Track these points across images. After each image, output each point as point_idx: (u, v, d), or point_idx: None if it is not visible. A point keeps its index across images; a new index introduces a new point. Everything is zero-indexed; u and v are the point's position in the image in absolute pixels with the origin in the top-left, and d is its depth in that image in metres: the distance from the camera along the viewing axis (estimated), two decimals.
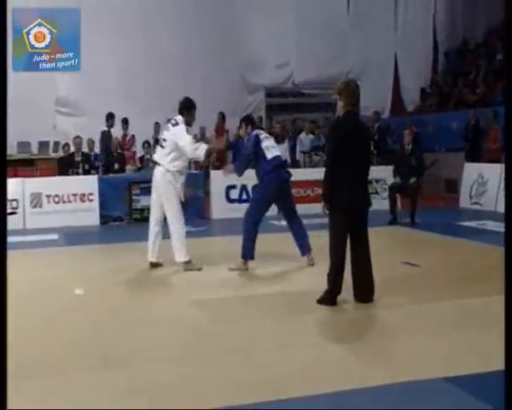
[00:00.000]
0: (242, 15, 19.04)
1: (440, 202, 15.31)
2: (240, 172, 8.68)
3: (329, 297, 6.32)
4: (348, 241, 6.35)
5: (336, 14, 20.13)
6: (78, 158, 14.70)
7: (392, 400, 4.17)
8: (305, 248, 8.44)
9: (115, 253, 10.08)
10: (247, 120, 8.85)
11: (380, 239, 10.42)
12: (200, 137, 16.39)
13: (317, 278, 7.56)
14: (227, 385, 4.44)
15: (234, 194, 14.15)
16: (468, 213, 13.59)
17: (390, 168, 13.18)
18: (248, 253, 8.22)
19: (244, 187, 14.19)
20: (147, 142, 15.77)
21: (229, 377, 4.57)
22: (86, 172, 14.44)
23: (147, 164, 14.71)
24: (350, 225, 6.26)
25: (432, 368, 4.64)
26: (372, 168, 7.07)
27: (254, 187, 14.09)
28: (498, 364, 4.61)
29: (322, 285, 6.44)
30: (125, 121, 15.89)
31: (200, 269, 8.35)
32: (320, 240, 9.38)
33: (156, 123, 16.60)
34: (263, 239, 9.03)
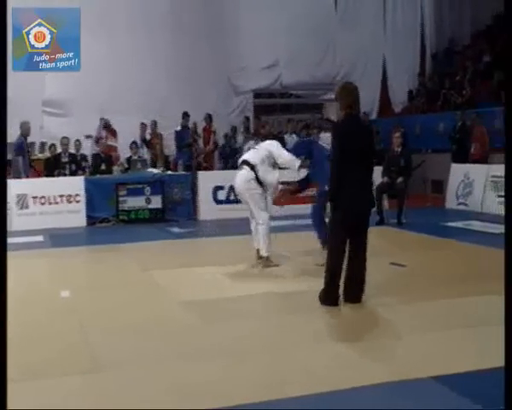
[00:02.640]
0: (231, 17, 19.02)
1: (427, 203, 15.36)
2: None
3: (328, 297, 6.32)
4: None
5: (324, 16, 20.14)
6: (64, 159, 14.65)
7: (382, 400, 4.17)
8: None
9: (102, 254, 10.04)
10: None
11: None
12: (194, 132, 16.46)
13: (308, 279, 7.60)
14: (221, 386, 4.43)
15: (221, 195, 14.13)
16: (454, 213, 13.64)
17: (377, 169, 13.19)
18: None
19: (232, 188, 14.16)
20: (134, 142, 15.73)
21: (223, 378, 4.57)
22: (73, 173, 14.40)
23: (134, 165, 14.67)
24: (350, 226, 6.25)
25: (421, 367, 4.65)
26: None
27: None
28: (487, 363, 4.65)
29: (314, 286, 6.46)
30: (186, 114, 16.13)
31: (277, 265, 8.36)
32: (310, 241, 9.42)
33: (143, 123, 16.58)
34: (250, 240, 9.03)
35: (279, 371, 4.68)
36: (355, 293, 6.39)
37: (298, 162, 8.35)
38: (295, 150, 8.74)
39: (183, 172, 15.03)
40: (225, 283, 7.69)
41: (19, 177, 13.07)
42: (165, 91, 17.60)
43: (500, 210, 13.11)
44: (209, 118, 16.91)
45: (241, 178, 8.37)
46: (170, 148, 16.95)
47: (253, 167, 8.25)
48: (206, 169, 15.96)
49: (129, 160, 15.13)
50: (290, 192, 9.21)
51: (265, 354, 5.06)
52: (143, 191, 13.49)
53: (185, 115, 16.16)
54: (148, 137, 16.64)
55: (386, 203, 12.80)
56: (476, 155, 14.97)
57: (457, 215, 13.08)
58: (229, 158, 16.41)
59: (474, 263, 8.54)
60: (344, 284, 6.39)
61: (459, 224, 11.94)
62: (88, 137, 15.86)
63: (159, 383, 4.51)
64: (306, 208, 13.43)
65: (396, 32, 20.90)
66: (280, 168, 8.48)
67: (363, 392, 4.26)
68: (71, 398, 4.30)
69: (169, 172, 14.83)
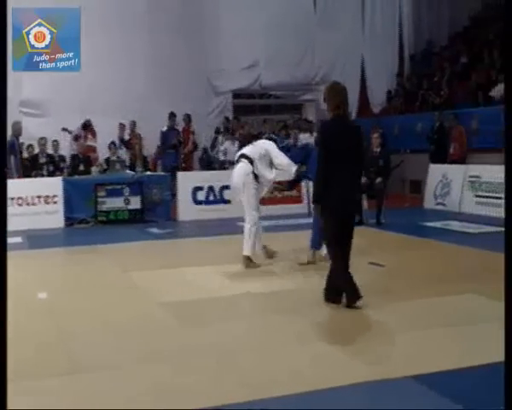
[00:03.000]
0: (210, 17, 18.97)
1: (405, 203, 15.45)
2: None
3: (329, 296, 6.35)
4: None
5: (304, 16, 20.15)
6: (42, 159, 14.54)
7: (363, 399, 4.19)
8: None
9: (80, 256, 9.98)
10: None
11: None
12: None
13: (292, 278, 7.62)
14: (202, 386, 4.41)
15: (201, 195, 14.12)
16: (432, 213, 13.73)
17: None
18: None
19: (211, 188, 14.17)
20: (113, 143, 15.64)
21: (204, 379, 4.55)
22: (51, 174, 14.28)
23: (112, 165, 14.59)
24: (341, 224, 6.25)
25: (401, 367, 4.67)
26: None
27: (222, 188, 14.14)
28: (467, 361, 4.68)
29: (298, 285, 6.46)
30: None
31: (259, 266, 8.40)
32: (276, 241, 9.44)
33: (121, 124, 16.48)
34: (234, 240, 9.05)
35: (262, 372, 4.67)
36: (336, 294, 6.37)
37: (294, 167, 8.45)
38: (293, 157, 8.78)
39: (162, 173, 15.01)
40: (206, 283, 7.66)
41: (11, 177, 12.96)
42: (144, 92, 17.51)
43: (478, 210, 13.25)
44: (188, 118, 16.87)
45: (239, 170, 8.38)
46: (149, 148, 16.86)
47: (251, 162, 8.31)
48: (185, 170, 15.92)
49: (107, 160, 15.05)
50: (279, 190, 9.27)
51: (247, 354, 5.05)
52: (122, 192, 13.42)
53: (172, 116, 16.10)
54: (126, 137, 16.56)
55: (365, 203, 12.86)
56: (454, 155, 15.08)
57: (436, 215, 13.16)
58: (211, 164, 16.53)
59: (452, 263, 8.60)
60: (326, 283, 6.43)
61: (437, 224, 12.02)
62: (64, 130, 15.66)
63: (138, 383, 4.49)
64: (290, 208, 13.60)
65: (375, 33, 20.99)
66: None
67: (345, 392, 4.27)
68: (48, 400, 4.26)
69: (148, 173, 14.78)
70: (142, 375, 4.65)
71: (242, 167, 8.36)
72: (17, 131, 13.71)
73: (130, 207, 13.43)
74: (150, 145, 16.82)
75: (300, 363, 4.84)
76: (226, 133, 16.95)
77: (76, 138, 15.61)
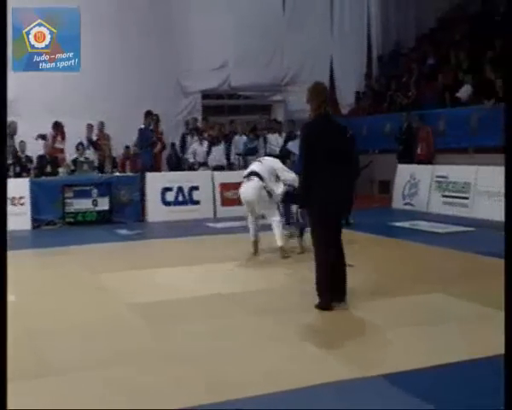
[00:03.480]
0: (179, 17, 18.87)
1: (374, 203, 15.56)
2: None
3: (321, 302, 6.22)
4: None
5: (273, 17, 20.17)
6: (9, 160, 14.33)
7: (333, 399, 4.20)
8: None
9: (48, 258, 9.88)
10: None
11: None
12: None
13: (262, 279, 7.62)
14: (170, 388, 4.39)
15: (170, 196, 14.06)
16: (400, 213, 13.84)
17: None
18: None
19: (180, 189, 14.12)
20: (81, 143, 15.48)
21: (173, 380, 4.53)
22: (17, 175, 14.10)
23: (80, 166, 14.46)
24: (329, 223, 6.24)
25: (371, 366, 4.70)
26: None
27: (191, 189, 14.12)
28: (435, 360, 4.72)
29: (267, 286, 6.46)
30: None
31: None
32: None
33: (89, 124, 16.32)
34: (204, 241, 9.05)
35: (230, 372, 4.66)
36: (340, 292, 6.33)
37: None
38: (295, 167, 9.19)
39: (131, 174, 14.90)
40: (175, 284, 7.63)
41: None
42: (113, 92, 17.37)
43: (445, 210, 13.39)
44: (157, 119, 16.75)
45: (253, 186, 9.01)
46: (117, 149, 16.72)
47: (261, 178, 9.01)
48: (154, 170, 15.81)
49: (75, 161, 14.89)
50: None
51: (216, 355, 5.03)
52: (90, 193, 13.33)
53: (148, 114, 15.89)
54: (94, 138, 16.40)
55: None
56: (421, 155, 15.21)
57: (404, 215, 13.27)
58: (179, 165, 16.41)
59: (420, 262, 8.68)
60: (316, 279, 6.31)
61: (406, 224, 12.12)
62: (40, 136, 15.48)
63: (106, 385, 4.45)
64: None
65: (343, 35, 21.09)
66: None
67: (314, 391, 4.28)
68: (17, 403, 4.21)
69: (117, 174, 14.67)
70: (109, 377, 4.61)
71: (255, 184, 9.03)
72: (13, 131, 13.81)
73: (99, 208, 13.33)
74: (119, 146, 16.69)
75: (269, 363, 4.83)
76: (195, 134, 16.86)
77: (43, 138, 15.42)
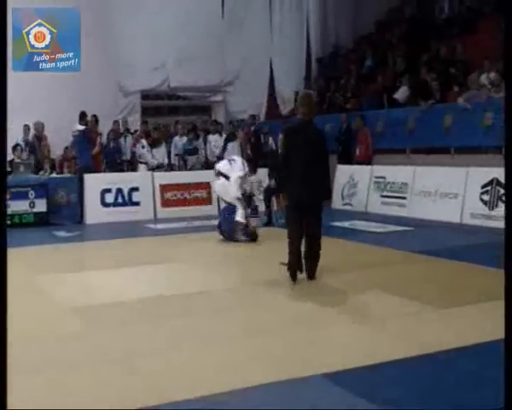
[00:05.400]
0: (118, 16, 18.69)
1: None
2: None
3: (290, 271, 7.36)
4: None
5: (212, 18, 20.16)
6: None
7: (270, 399, 4.20)
8: None
9: None
10: None
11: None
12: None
13: (208, 279, 7.61)
14: (105, 392, 4.34)
15: (109, 198, 13.90)
16: (340, 213, 13.95)
17: (266, 170, 13.46)
18: None
19: (120, 191, 13.98)
20: (17, 144, 15.15)
21: (108, 384, 4.48)
22: None
23: (17, 168, 14.16)
24: (300, 211, 7.34)
25: (311, 365, 4.72)
26: None
27: (130, 190, 13.99)
28: (375, 358, 4.78)
29: (214, 286, 6.42)
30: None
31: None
32: (185, 241, 9.41)
33: (26, 125, 15.99)
34: (143, 242, 8.97)
35: (168, 375, 4.64)
36: (311, 267, 7.46)
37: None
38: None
39: (69, 175, 14.66)
40: (115, 287, 7.55)
41: None
42: (51, 92, 17.06)
43: (383, 210, 13.62)
44: (95, 120, 16.51)
45: (221, 184, 10.57)
46: (55, 150, 16.43)
47: (227, 178, 10.37)
48: (92, 171, 15.57)
49: (11, 163, 14.57)
50: None
51: (154, 358, 4.99)
52: (27, 195, 13.10)
53: (83, 115, 15.54)
54: (31, 139, 16.08)
55: (274, 205, 12.97)
56: (360, 156, 15.42)
57: (343, 215, 13.42)
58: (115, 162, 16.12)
59: (360, 261, 8.78)
60: (303, 258, 7.44)
61: (345, 224, 12.27)
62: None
63: (48, 389, 4.38)
64: (200, 210, 13.56)
65: (283, 36, 21.22)
66: None
67: (255, 392, 4.28)
68: None
69: (54, 175, 14.43)
70: (50, 380, 4.54)
71: (223, 182, 10.57)
72: None
73: (36, 210, 13.10)
74: (56, 147, 16.40)
75: (207, 366, 4.81)
76: (134, 134, 16.71)
77: None
